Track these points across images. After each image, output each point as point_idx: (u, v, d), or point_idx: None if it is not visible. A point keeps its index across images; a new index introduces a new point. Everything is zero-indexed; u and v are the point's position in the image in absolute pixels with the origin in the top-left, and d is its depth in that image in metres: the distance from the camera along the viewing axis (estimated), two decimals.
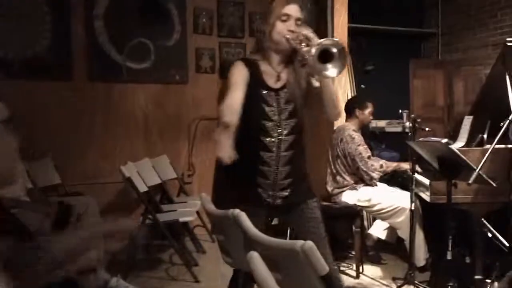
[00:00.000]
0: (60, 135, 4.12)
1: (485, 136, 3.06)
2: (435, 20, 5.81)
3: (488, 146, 2.75)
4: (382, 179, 3.80)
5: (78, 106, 4.29)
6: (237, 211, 1.65)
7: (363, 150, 3.67)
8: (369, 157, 3.67)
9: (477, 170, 2.41)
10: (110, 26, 4.37)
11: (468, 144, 3.23)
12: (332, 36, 4.08)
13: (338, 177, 3.76)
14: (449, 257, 2.65)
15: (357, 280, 3.52)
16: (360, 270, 3.59)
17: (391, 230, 3.77)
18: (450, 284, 2.71)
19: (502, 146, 2.83)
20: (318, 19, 4.45)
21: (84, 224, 3.22)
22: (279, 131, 2.06)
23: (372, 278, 3.55)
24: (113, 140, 4.44)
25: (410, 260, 3.26)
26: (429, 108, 5.32)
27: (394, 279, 3.44)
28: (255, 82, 2.05)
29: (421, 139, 3.40)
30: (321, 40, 1.85)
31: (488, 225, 2.96)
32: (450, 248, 2.64)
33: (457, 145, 3.26)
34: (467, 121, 3.36)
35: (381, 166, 3.68)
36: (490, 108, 3.14)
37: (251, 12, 4.98)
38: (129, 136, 4.51)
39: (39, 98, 4.08)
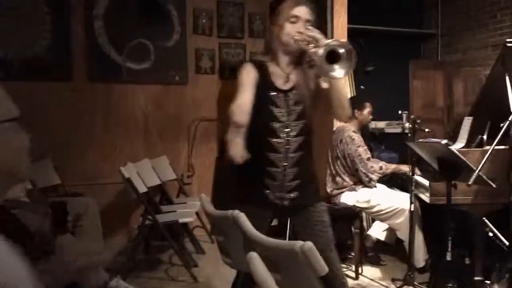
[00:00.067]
0: (60, 135, 4.12)
1: (485, 137, 3.06)
2: (435, 21, 5.81)
3: (488, 147, 2.74)
4: (381, 181, 3.80)
5: (78, 106, 4.29)
6: (236, 211, 1.65)
7: (363, 151, 3.67)
8: (368, 159, 3.67)
9: (477, 171, 2.41)
10: (110, 27, 4.37)
11: (468, 145, 3.23)
12: (332, 37, 4.08)
13: (337, 178, 3.76)
14: (448, 258, 2.64)
15: (356, 281, 3.52)
16: (359, 271, 3.59)
17: (391, 231, 3.76)
18: (450, 285, 2.70)
19: (502, 147, 2.83)
20: (318, 20, 4.44)
21: (84, 224, 3.23)
22: (287, 132, 2.05)
23: (371, 279, 3.54)
24: (112, 141, 4.43)
25: (409, 261, 3.26)
26: (428, 109, 5.33)
27: (393, 280, 3.44)
28: (264, 84, 2.05)
29: (420, 140, 3.39)
30: (329, 41, 1.85)
31: (490, 224, 2.96)
32: (449, 249, 2.63)
33: (457, 146, 3.26)
34: (467, 122, 3.36)
35: (381, 168, 3.68)
36: (490, 109, 3.14)
37: (250, 12, 4.98)
38: (129, 136, 4.51)
39: (39, 98, 4.07)
